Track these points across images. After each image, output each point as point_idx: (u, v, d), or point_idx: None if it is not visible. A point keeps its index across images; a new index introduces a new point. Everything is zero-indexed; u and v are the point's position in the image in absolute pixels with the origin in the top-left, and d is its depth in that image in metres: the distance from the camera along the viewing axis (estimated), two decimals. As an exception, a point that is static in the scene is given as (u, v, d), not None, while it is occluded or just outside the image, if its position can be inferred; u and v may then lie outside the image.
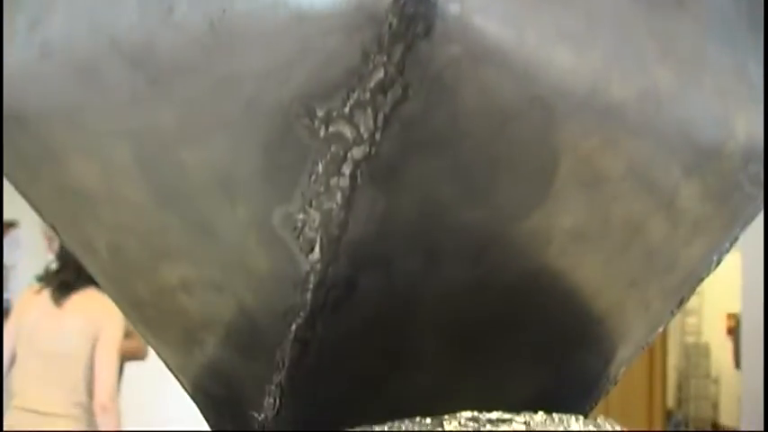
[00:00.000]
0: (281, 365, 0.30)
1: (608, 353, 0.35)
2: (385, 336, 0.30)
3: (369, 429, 0.31)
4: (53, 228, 0.34)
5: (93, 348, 2.03)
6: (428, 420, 0.31)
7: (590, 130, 0.28)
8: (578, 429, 0.32)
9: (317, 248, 0.27)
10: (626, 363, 0.37)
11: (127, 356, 2.46)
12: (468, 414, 0.31)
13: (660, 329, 0.37)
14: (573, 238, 0.30)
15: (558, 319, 0.32)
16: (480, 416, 0.31)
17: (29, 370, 2.04)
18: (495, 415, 0.31)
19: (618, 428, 0.34)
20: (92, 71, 0.29)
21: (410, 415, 0.32)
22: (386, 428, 0.31)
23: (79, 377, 2.04)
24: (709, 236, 0.34)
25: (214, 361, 0.33)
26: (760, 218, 0.37)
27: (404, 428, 0.31)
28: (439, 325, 0.30)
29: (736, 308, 4.32)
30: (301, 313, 0.29)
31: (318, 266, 0.28)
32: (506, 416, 0.31)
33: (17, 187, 0.34)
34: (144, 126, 0.28)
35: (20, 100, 0.31)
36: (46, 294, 2.09)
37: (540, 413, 0.32)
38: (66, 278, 2.08)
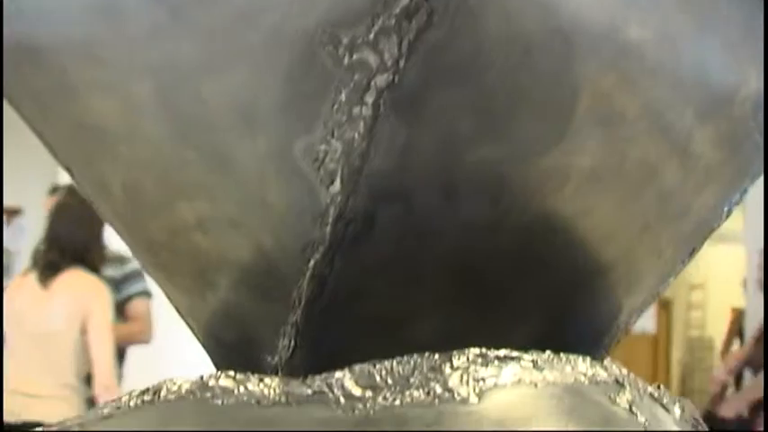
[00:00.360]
0: (296, 304, 0.31)
1: (620, 299, 0.35)
2: (401, 274, 0.30)
3: (378, 362, 0.31)
4: (68, 170, 0.34)
5: (82, 329, 2.03)
6: (436, 356, 0.31)
7: (608, 67, 0.28)
8: (586, 369, 0.32)
9: (337, 180, 0.27)
10: (637, 312, 0.37)
11: (130, 340, 2.46)
12: (476, 351, 0.31)
13: (671, 279, 0.37)
14: (589, 179, 0.30)
15: (571, 263, 0.32)
16: (488, 353, 0.31)
17: (17, 353, 2.05)
18: (503, 352, 0.31)
19: (624, 371, 0.34)
20: (110, 4, 0.29)
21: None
22: (395, 363, 0.31)
23: (68, 358, 2.06)
24: (720, 184, 0.34)
25: (227, 304, 0.33)
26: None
27: (412, 363, 0.31)
28: (454, 265, 0.31)
29: (740, 303, 4.32)
30: (320, 248, 0.29)
31: (338, 199, 0.28)
32: (514, 353, 0.31)
33: (32, 126, 0.34)
34: (164, 59, 0.28)
35: (34, 34, 0.31)
36: (33, 277, 2.10)
37: (548, 352, 0.32)
38: (51, 258, 2.10)
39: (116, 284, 2.62)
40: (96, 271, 2.22)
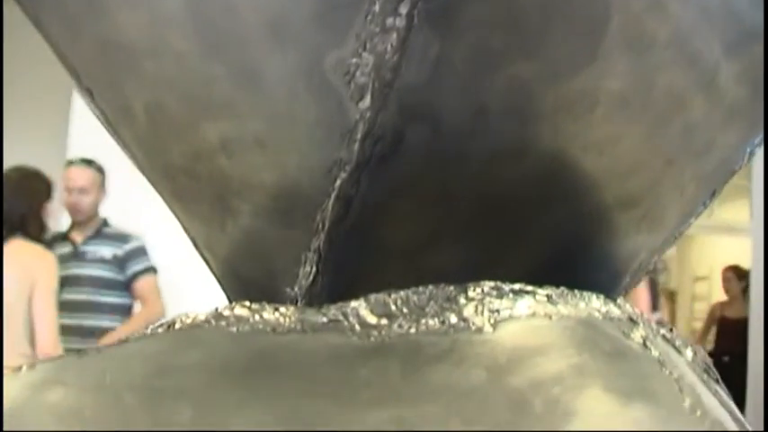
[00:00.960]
0: (320, 228, 0.31)
1: (641, 237, 0.35)
2: (426, 197, 0.30)
3: (393, 292, 0.31)
4: (89, 92, 0.34)
5: (30, 299, 2.11)
6: (451, 287, 0.31)
7: None
8: (600, 306, 0.33)
9: (367, 95, 0.27)
10: (658, 251, 0.37)
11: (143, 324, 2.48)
12: (491, 283, 0.31)
13: (692, 220, 0.37)
14: (618, 105, 0.30)
15: (596, 195, 0.32)
16: (503, 286, 0.31)
17: None
18: (517, 286, 0.32)
19: (638, 311, 0.34)
20: None
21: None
22: (410, 293, 0.31)
23: (20, 328, 2.13)
24: (743, 123, 0.34)
25: (248, 233, 0.33)
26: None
27: (427, 293, 0.31)
28: (480, 191, 0.31)
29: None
30: (346, 167, 0.29)
31: (368, 115, 0.28)
32: (529, 288, 0.32)
33: (58, 50, 0.34)
34: None
35: None
36: None
37: (562, 288, 0.32)
38: None
39: (119, 263, 2.64)
40: (38, 241, 2.32)
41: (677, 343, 0.34)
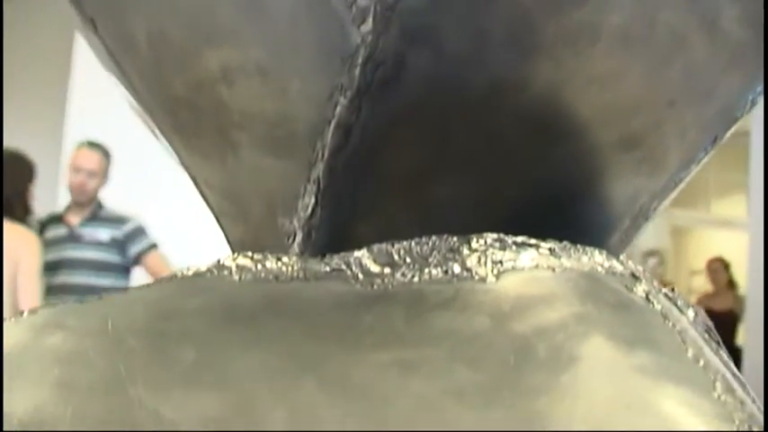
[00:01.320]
0: (320, 157, 0.30)
1: (642, 180, 0.35)
2: (426, 127, 0.30)
3: (396, 243, 0.31)
4: (92, 23, 0.34)
5: (13, 279, 2.16)
6: (455, 238, 0.31)
7: None
8: (602, 261, 0.33)
9: (369, 18, 0.27)
10: (659, 198, 0.37)
11: None
12: (494, 235, 0.31)
13: (693, 167, 0.37)
14: (619, 40, 0.30)
15: (597, 134, 0.32)
16: (506, 238, 0.31)
17: None
18: (520, 239, 0.32)
19: (640, 268, 0.34)
20: None
21: (444, 224, 0.32)
22: (413, 243, 0.31)
23: (6, 309, 2.18)
24: (746, 68, 0.34)
25: (247, 166, 0.33)
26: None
27: (430, 244, 0.31)
28: (480, 122, 0.31)
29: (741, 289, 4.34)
30: (347, 93, 0.29)
31: (369, 38, 0.28)
32: (532, 241, 0.32)
33: None
34: None
35: None
36: None
37: (566, 242, 0.32)
38: None
39: (119, 246, 2.63)
40: (22, 222, 2.36)
41: (679, 302, 0.34)
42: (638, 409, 0.26)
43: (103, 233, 2.63)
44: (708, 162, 0.39)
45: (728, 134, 0.37)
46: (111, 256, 2.62)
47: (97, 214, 2.65)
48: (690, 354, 0.29)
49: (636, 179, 0.35)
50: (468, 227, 0.32)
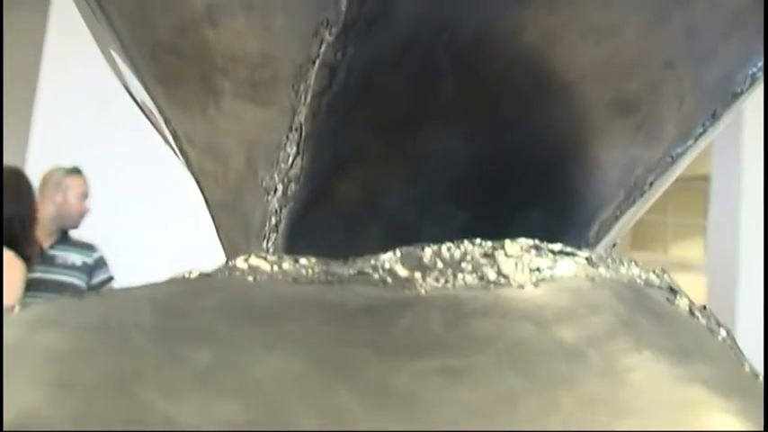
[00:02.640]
0: (303, 101, 0.28)
1: (638, 148, 0.33)
2: (413, 69, 0.28)
3: (425, 245, 0.29)
4: None
5: None
6: (489, 243, 0.29)
7: None
8: (639, 273, 0.31)
9: None
10: (654, 172, 0.35)
11: None
12: (530, 242, 0.29)
13: (690, 143, 0.35)
14: None
15: (592, 92, 0.31)
16: (542, 245, 0.30)
17: None
18: (557, 247, 0.30)
19: (677, 283, 0.32)
20: None
21: (431, 181, 0.30)
22: (443, 247, 0.29)
23: None
24: (745, 36, 0.33)
25: (229, 115, 0.31)
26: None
27: (462, 249, 0.29)
28: (471, 70, 0.29)
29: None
30: (333, 30, 0.27)
31: None
32: (568, 249, 0.30)
33: None
34: None
35: None
36: None
37: (600, 252, 0.31)
38: None
39: (88, 271, 2.68)
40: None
41: (711, 321, 0.32)
42: (704, 424, 0.24)
43: (76, 257, 2.70)
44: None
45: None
46: (80, 281, 2.68)
47: (66, 239, 2.72)
48: (747, 368, 0.28)
49: (631, 148, 0.33)
50: (455, 186, 0.30)
